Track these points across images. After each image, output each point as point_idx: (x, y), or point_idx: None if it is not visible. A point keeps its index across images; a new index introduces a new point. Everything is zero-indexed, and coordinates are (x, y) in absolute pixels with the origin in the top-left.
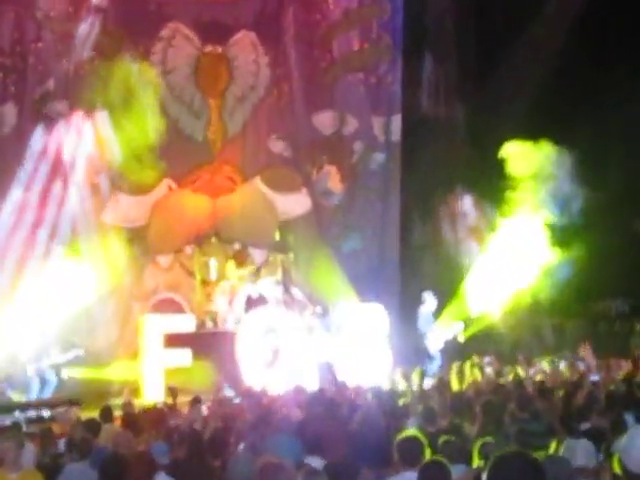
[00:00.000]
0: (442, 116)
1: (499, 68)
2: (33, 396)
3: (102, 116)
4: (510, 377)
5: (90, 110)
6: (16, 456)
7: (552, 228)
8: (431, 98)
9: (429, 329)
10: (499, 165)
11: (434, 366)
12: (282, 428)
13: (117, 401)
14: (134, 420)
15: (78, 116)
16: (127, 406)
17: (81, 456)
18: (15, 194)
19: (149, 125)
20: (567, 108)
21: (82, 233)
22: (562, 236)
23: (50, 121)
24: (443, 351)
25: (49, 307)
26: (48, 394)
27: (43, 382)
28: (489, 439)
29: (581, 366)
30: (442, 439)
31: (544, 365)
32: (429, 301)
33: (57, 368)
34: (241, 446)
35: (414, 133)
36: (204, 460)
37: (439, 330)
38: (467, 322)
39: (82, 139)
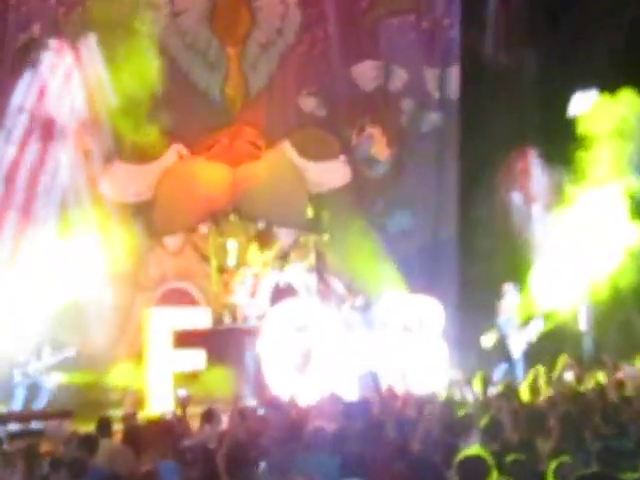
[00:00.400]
0: (508, 66)
1: (576, 7)
2: (17, 406)
3: (94, 57)
4: (592, 384)
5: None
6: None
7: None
8: (495, 45)
9: (511, 328)
10: (574, 122)
11: (516, 372)
12: (315, 444)
13: (117, 412)
14: (137, 435)
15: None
16: (129, 418)
17: (73, 478)
18: None
19: (151, 70)
20: None
21: (73, 209)
22: None
23: (35, 72)
24: (525, 354)
25: (36, 298)
26: (41, 404)
27: (33, 389)
28: (566, 458)
29: None
30: (510, 458)
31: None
32: (511, 294)
33: (47, 372)
34: (262, 465)
35: (475, 88)
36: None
37: (522, 329)
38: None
39: (71, 89)
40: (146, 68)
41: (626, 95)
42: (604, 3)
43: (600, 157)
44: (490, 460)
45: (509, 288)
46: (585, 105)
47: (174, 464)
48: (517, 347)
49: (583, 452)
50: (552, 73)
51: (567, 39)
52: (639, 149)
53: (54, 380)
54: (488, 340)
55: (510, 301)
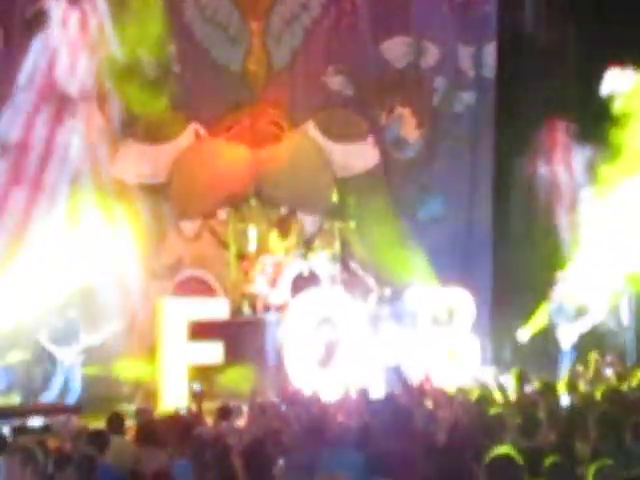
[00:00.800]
0: (548, 44)
1: None
2: (51, 398)
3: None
4: (634, 382)
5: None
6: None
7: None
8: (535, 21)
9: (562, 318)
10: (610, 101)
11: (565, 365)
12: (339, 442)
13: (128, 407)
14: (151, 431)
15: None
16: (142, 413)
17: (81, 477)
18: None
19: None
20: None
21: (83, 190)
22: None
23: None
24: (575, 347)
25: (42, 285)
26: (74, 397)
27: (67, 381)
28: (606, 461)
29: None
30: (548, 461)
31: None
32: (565, 281)
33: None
34: (281, 462)
35: (512, 66)
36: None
37: (575, 319)
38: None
39: (78, 55)
40: (153, 29)
41: None
42: None
43: (636, 137)
44: (522, 461)
45: (563, 275)
46: (622, 83)
47: (188, 463)
48: (567, 338)
49: (623, 455)
50: (591, 51)
51: (612, 13)
52: None
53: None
54: (525, 334)
55: (563, 289)
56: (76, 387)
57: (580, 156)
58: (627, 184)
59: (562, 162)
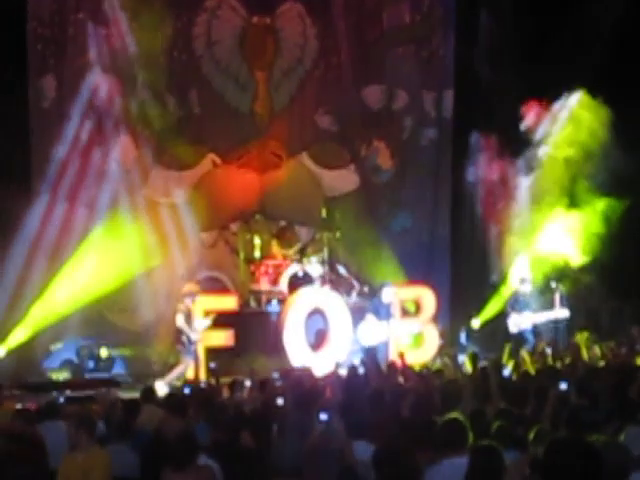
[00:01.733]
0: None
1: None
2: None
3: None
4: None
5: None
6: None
7: None
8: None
9: (519, 309)
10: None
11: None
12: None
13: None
14: (176, 401)
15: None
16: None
17: (120, 438)
18: (53, 169)
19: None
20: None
21: (124, 209)
22: None
23: (90, 93)
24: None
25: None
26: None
27: None
28: (545, 425)
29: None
30: (495, 424)
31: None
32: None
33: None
34: (275, 427)
35: (467, 108)
36: (245, 441)
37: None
38: None
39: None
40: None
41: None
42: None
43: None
44: (469, 424)
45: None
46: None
47: (207, 426)
48: (518, 325)
49: (560, 421)
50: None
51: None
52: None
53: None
54: (477, 322)
55: (519, 283)
56: None
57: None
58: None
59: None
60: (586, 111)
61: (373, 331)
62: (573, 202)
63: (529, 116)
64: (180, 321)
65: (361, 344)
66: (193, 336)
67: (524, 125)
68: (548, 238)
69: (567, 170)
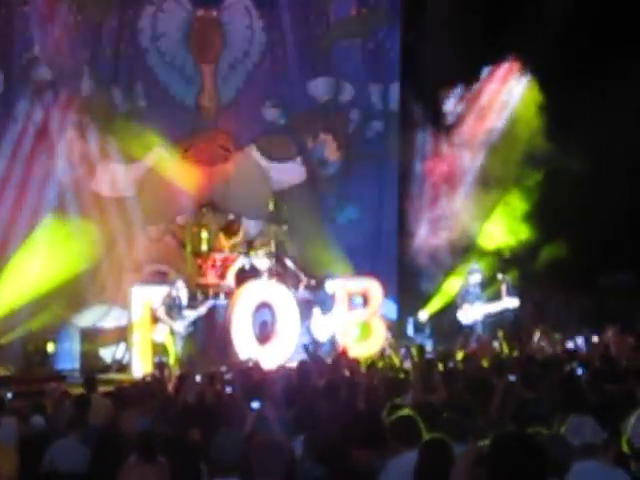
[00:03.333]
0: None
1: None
2: None
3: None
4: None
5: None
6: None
7: None
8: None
9: (470, 300)
10: None
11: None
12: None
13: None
14: (122, 394)
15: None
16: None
17: (71, 432)
18: None
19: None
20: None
21: (70, 204)
22: None
23: (37, 88)
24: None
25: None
26: None
27: None
28: (491, 417)
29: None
30: (444, 416)
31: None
32: (474, 275)
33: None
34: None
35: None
36: (193, 437)
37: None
38: None
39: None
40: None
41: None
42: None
43: None
44: (420, 418)
45: (475, 266)
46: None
47: (149, 420)
48: (469, 317)
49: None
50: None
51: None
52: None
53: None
54: (424, 315)
55: (474, 278)
56: None
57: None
58: None
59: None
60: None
61: (321, 325)
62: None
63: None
64: (160, 312)
65: (303, 341)
66: (176, 326)
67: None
68: (492, 226)
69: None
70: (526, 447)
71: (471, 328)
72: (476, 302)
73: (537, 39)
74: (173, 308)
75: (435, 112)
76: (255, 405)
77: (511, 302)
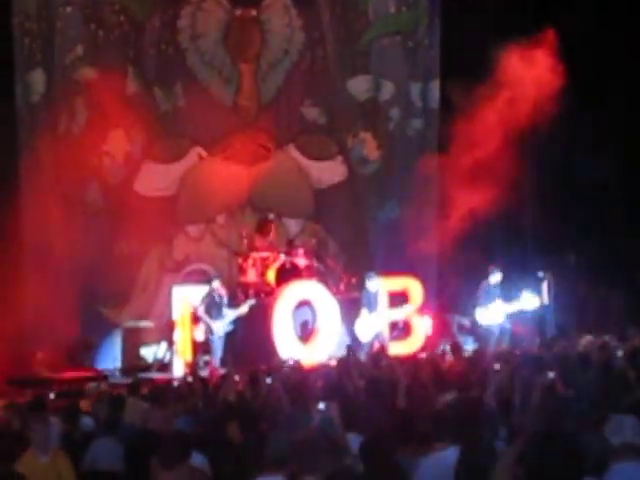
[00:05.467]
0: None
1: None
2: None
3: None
4: None
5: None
6: (45, 436)
7: None
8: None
9: (486, 303)
10: None
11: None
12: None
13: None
14: (160, 394)
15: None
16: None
17: (108, 431)
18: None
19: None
20: None
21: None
22: None
23: (80, 88)
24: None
25: None
26: None
27: None
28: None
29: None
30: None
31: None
32: (494, 275)
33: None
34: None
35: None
36: (232, 434)
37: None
38: None
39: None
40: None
41: None
42: None
43: None
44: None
45: (493, 269)
46: None
47: (190, 419)
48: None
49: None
50: None
51: None
52: None
53: None
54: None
55: (492, 279)
56: None
57: None
58: None
59: None
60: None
61: (368, 325)
62: None
63: None
64: (200, 311)
65: (345, 340)
66: (215, 327)
67: None
68: None
69: None
70: (561, 446)
71: (488, 329)
72: (494, 302)
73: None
74: (212, 307)
75: None
76: (321, 406)
77: (532, 302)
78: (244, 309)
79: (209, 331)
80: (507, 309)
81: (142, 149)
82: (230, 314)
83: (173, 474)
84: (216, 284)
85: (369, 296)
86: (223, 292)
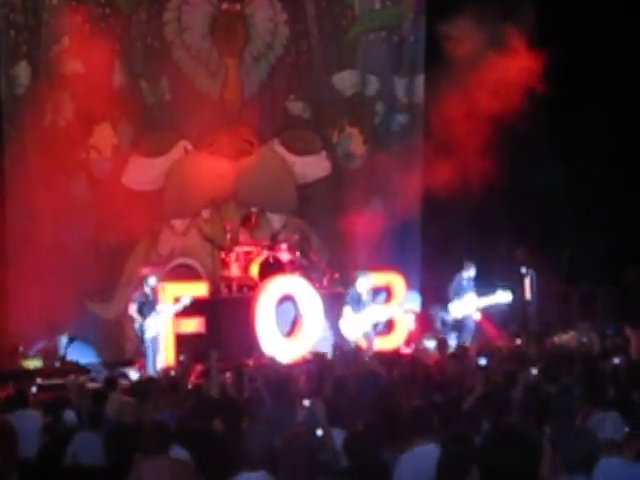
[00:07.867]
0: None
1: None
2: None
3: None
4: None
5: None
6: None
7: None
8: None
9: (457, 296)
10: None
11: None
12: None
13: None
14: (141, 388)
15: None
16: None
17: (91, 426)
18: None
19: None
20: None
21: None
22: None
23: (66, 81)
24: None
25: None
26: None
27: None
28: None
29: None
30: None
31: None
32: (468, 269)
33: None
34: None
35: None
36: (216, 428)
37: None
38: None
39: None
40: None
41: None
42: None
43: None
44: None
45: (467, 263)
46: None
47: (172, 413)
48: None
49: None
50: None
51: None
52: None
53: None
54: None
55: (466, 273)
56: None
57: None
58: None
59: None
60: None
61: (352, 324)
62: None
63: None
64: (132, 310)
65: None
66: (146, 325)
67: None
68: None
69: None
70: (517, 442)
71: (461, 322)
72: (467, 295)
73: None
74: (145, 305)
75: None
76: (306, 402)
77: (504, 297)
78: (180, 306)
79: (140, 330)
80: (479, 303)
81: (129, 143)
82: (165, 311)
83: (154, 463)
84: (152, 281)
85: (356, 295)
86: (158, 290)
